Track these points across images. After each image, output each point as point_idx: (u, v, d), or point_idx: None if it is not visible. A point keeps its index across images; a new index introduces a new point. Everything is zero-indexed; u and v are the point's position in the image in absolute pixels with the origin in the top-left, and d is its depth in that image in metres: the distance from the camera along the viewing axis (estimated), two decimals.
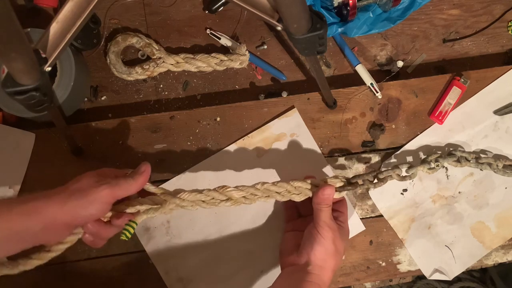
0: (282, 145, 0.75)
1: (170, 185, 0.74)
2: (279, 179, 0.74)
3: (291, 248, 0.66)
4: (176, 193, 0.64)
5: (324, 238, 0.62)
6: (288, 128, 0.75)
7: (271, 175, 0.74)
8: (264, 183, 0.65)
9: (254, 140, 0.75)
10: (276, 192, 0.65)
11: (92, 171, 0.60)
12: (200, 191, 0.63)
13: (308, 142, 0.75)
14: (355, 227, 0.75)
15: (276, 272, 0.72)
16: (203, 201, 0.64)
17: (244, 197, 0.64)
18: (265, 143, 0.75)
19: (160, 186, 0.65)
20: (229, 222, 0.73)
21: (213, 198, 0.63)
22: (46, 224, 0.53)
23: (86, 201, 0.55)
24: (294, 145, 0.75)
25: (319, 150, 0.75)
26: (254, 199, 0.65)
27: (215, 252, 0.73)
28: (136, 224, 0.62)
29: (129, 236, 0.60)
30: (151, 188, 0.63)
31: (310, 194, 0.66)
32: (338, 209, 0.69)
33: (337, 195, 0.66)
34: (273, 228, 0.73)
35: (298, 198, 0.66)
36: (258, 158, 0.75)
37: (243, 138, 0.75)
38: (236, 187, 0.64)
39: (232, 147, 0.75)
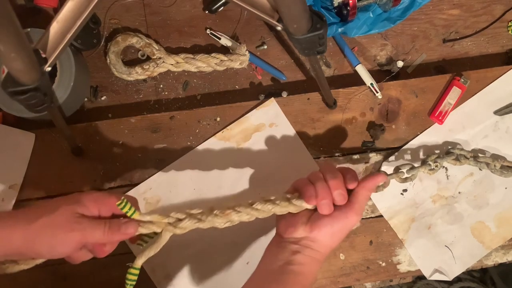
0: (262, 135, 0.75)
1: (151, 182, 0.74)
2: (261, 171, 0.74)
3: (301, 218, 0.60)
4: (174, 220, 0.58)
5: (348, 222, 0.57)
6: (267, 118, 0.75)
7: (252, 167, 0.74)
8: (263, 202, 0.60)
9: (233, 132, 0.75)
10: (277, 210, 0.61)
11: (74, 198, 0.53)
12: (200, 218, 0.58)
13: (288, 131, 0.75)
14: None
15: None
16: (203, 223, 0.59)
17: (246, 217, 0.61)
18: (245, 134, 0.75)
19: (157, 214, 0.58)
20: None
21: (214, 223, 0.59)
22: (9, 252, 0.50)
23: (53, 243, 0.51)
24: (274, 134, 0.75)
25: (299, 139, 0.75)
26: (253, 216, 0.61)
27: (200, 246, 0.73)
28: (138, 269, 0.57)
29: (134, 284, 0.57)
30: (146, 217, 0.57)
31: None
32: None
33: None
34: (258, 219, 0.72)
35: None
36: (239, 150, 0.75)
37: (222, 131, 0.75)
38: (235, 209, 0.59)
39: (211, 141, 0.75)
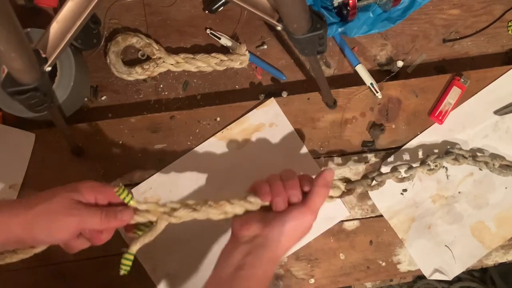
0: (262, 135, 0.75)
1: (151, 182, 0.74)
2: (261, 171, 0.72)
3: (255, 216, 0.60)
4: (169, 210, 0.58)
5: (303, 220, 0.57)
6: (267, 118, 0.75)
7: (252, 166, 0.74)
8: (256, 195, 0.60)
9: (233, 132, 0.75)
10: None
11: (72, 186, 0.54)
12: (195, 208, 0.59)
13: (288, 131, 0.76)
14: (339, 213, 0.75)
15: None
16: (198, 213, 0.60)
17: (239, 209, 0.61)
18: (245, 134, 0.75)
19: (154, 202, 0.59)
20: None
21: (208, 213, 0.60)
22: (9, 239, 0.51)
23: (51, 228, 0.52)
24: (273, 134, 0.75)
25: (299, 139, 0.76)
26: (248, 209, 0.62)
27: (200, 245, 0.73)
28: (133, 255, 0.58)
29: (128, 269, 0.57)
30: (142, 206, 0.57)
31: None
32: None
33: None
34: None
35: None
36: (238, 150, 0.75)
37: (222, 131, 0.75)
38: (229, 201, 0.60)
39: (211, 141, 0.75)
